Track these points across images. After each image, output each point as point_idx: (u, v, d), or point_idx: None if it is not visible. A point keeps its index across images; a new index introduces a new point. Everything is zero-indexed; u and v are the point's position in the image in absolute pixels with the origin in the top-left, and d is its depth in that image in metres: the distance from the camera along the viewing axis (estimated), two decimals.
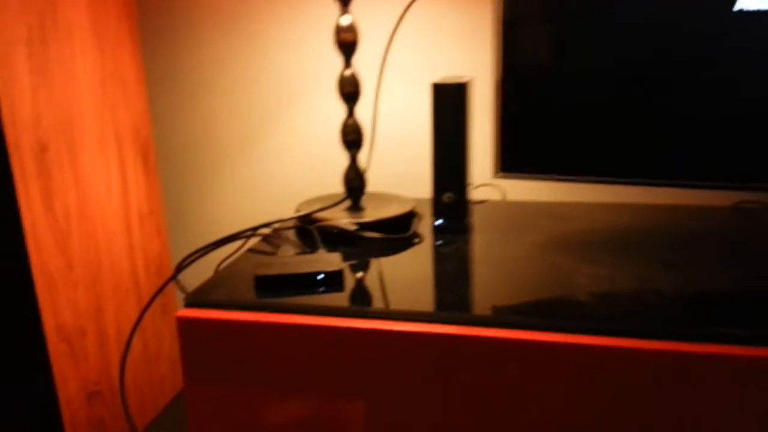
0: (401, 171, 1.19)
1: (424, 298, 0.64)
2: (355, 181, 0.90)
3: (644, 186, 0.82)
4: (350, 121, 0.86)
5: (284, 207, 1.27)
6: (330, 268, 0.70)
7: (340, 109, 1.17)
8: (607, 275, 0.69)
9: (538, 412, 0.59)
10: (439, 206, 0.86)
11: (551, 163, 0.78)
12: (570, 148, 0.77)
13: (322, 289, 0.68)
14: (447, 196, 0.84)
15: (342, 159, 1.21)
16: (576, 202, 1.01)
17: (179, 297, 1.33)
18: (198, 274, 1.16)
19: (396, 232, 0.84)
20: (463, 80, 0.80)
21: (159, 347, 1.15)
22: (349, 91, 0.84)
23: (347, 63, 0.84)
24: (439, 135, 0.81)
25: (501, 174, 0.79)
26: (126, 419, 0.70)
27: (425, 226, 0.89)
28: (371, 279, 0.70)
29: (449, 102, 0.79)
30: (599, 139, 0.75)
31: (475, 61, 1.11)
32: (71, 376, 0.91)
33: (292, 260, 0.73)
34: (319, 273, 0.69)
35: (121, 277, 1.03)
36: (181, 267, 0.79)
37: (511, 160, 0.79)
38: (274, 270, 0.70)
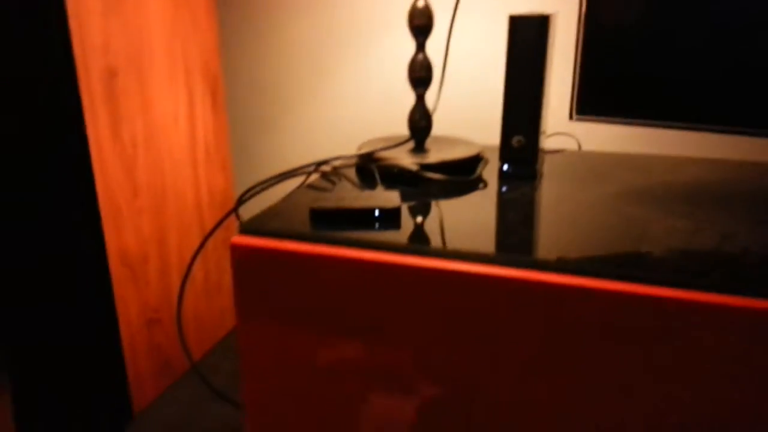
0: (470, 116, 1.14)
1: (485, 240, 0.61)
2: (420, 122, 0.86)
3: (731, 134, 0.74)
4: (419, 57, 0.82)
5: (349, 148, 1.25)
6: (387, 205, 0.67)
7: (409, 48, 1.13)
8: (688, 228, 0.63)
9: (598, 362, 0.55)
10: (507, 150, 0.81)
11: (633, 106, 0.72)
12: (654, 91, 0.70)
13: (377, 225, 0.66)
14: (516, 140, 0.79)
15: (409, 101, 1.17)
16: (660, 155, 0.93)
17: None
18: (259, 210, 1.16)
19: (460, 176, 0.80)
20: (544, 14, 0.74)
21: (220, 280, 1.17)
22: (420, 24, 0.80)
23: None
24: (514, 72, 0.76)
25: (578, 117, 0.74)
26: (182, 346, 0.71)
27: (491, 171, 0.84)
28: (430, 219, 0.67)
29: (528, 36, 0.74)
30: (686, 82, 0.68)
31: (556, 1, 1.03)
32: (132, 302, 0.94)
33: (349, 195, 0.71)
34: (375, 209, 0.67)
35: (186, 208, 1.04)
36: (242, 200, 0.78)
37: (591, 101, 0.73)
38: (331, 204, 0.68)
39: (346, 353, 0.64)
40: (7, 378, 1.01)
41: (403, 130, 1.18)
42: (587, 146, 1.09)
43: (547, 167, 0.86)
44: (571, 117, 0.74)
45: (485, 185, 0.78)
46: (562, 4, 1.03)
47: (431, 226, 0.65)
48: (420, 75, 0.82)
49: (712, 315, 0.50)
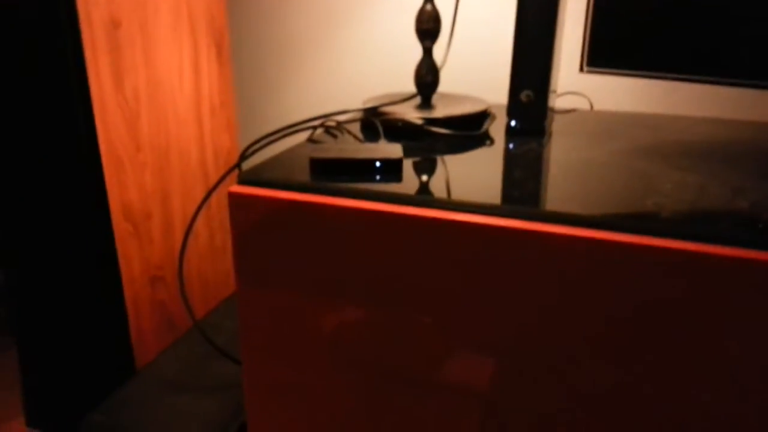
0: (479, 75, 1.11)
1: (491, 193, 0.59)
2: (426, 77, 0.84)
3: (745, 87, 0.71)
4: (427, 7, 0.80)
5: (357, 105, 1.23)
6: (390, 156, 0.66)
7: (416, 5, 1.10)
8: (697, 183, 0.61)
9: (604, 314, 0.53)
10: (515, 105, 0.79)
11: (646, 58, 0.69)
12: (668, 41, 0.67)
13: (379, 177, 0.64)
14: (525, 95, 0.77)
15: (416, 57, 1.14)
16: (673, 114, 0.91)
17: None
18: None
19: (466, 131, 0.78)
20: None
21: (225, 240, 1.16)
22: None
23: None
24: (525, 22, 0.73)
25: (589, 69, 0.71)
26: (183, 302, 0.70)
27: (498, 128, 0.82)
28: (433, 172, 0.66)
29: None
30: (702, 31, 0.65)
31: None
32: (135, 258, 0.93)
33: (350, 147, 0.69)
34: (377, 160, 0.65)
35: (189, 166, 1.03)
36: (245, 155, 0.77)
37: (603, 51, 0.70)
38: (331, 154, 0.66)
39: (344, 307, 0.63)
40: (12, 336, 1.02)
41: (412, 87, 1.16)
42: (599, 106, 1.06)
43: (557, 125, 0.84)
44: (581, 69, 0.71)
45: (492, 141, 0.76)
46: None
47: (434, 178, 0.64)
48: (428, 26, 0.80)
49: (722, 267, 0.48)
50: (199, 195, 1.07)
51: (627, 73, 0.71)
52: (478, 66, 1.11)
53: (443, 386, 0.61)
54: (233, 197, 0.63)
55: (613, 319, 0.53)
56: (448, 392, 0.61)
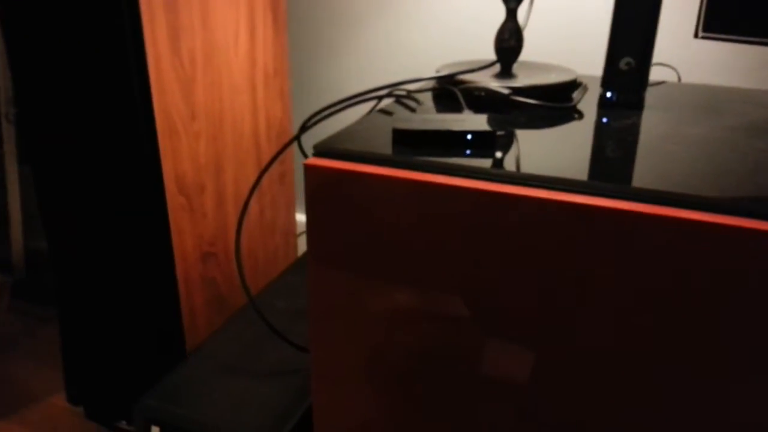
0: (559, 44, 1.03)
1: (603, 172, 0.52)
2: (509, 41, 0.76)
3: None
4: None
5: (421, 75, 1.15)
6: (481, 128, 0.59)
7: None
8: None
9: (710, 310, 0.46)
10: (612, 74, 0.71)
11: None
12: None
13: (469, 151, 0.57)
14: (625, 62, 0.69)
15: (485, 29, 1.06)
16: None
17: (298, 166, 1.28)
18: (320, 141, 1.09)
19: (555, 103, 0.70)
20: None
21: (275, 216, 1.11)
22: None
23: None
24: None
25: (705, 34, 0.63)
26: (241, 280, 0.65)
27: (589, 100, 0.75)
28: (528, 149, 0.59)
29: None
30: None
31: None
32: (188, 233, 0.88)
33: (434, 117, 0.62)
34: (467, 132, 0.59)
35: (243, 136, 0.97)
36: (305, 126, 0.71)
37: (722, 14, 0.62)
38: (415, 125, 0.60)
39: (425, 291, 0.57)
40: (55, 311, 0.98)
41: (482, 56, 1.08)
42: (687, 79, 0.97)
43: (650, 99, 0.76)
44: (696, 35, 0.63)
45: (585, 114, 0.69)
46: None
47: (532, 156, 0.57)
48: None
49: None
50: (252, 167, 1.01)
51: (747, 40, 0.63)
52: (556, 34, 1.03)
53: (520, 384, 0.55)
54: (310, 170, 0.56)
55: (719, 313, 0.46)
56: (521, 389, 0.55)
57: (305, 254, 1.14)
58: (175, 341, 0.90)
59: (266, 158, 1.04)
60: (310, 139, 1.18)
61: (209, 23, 0.85)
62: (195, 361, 0.81)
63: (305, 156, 0.64)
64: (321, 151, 0.58)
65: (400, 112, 0.69)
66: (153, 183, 0.81)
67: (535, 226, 0.50)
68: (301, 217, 1.34)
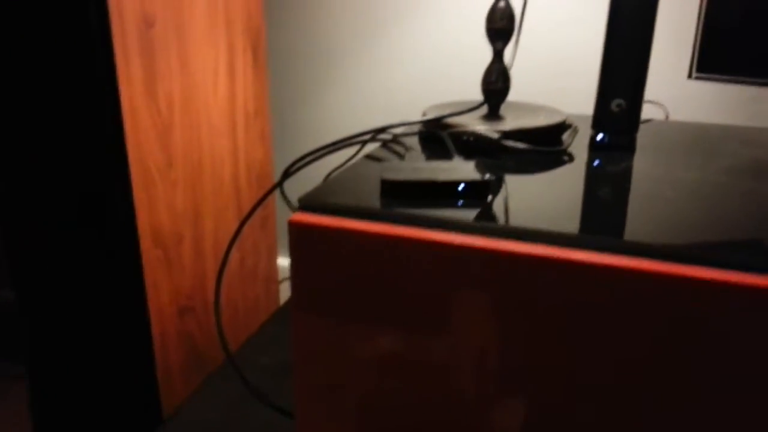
0: (545, 83, 1.02)
1: (590, 224, 0.50)
2: (496, 83, 0.74)
3: None
4: (501, 4, 0.70)
5: (405, 117, 1.13)
6: (474, 178, 0.56)
7: (474, 4, 1.01)
8: None
9: (711, 373, 0.43)
10: (603, 116, 0.69)
11: (762, 65, 0.60)
12: None
13: (461, 202, 0.54)
14: (617, 104, 0.68)
15: (473, 66, 1.05)
16: (764, 127, 0.81)
17: (279, 211, 1.25)
18: (301, 188, 1.05)
19: (544, 147, 0.68)
20: None
21: (256, 264, 1.07)
22: None
23: None
24: (619, 17, 0.64)
25: (698, 75, 0.62)
26: (219, 338, 0.61)
27: (581, 141, 0.73)
28: (517, 197, 0.56)
29: None
30: None
31: None
32: (164, 287, 0.84)
33: (424, 166, 0.60)
34: (459, 182, 0.56)
35: (222, 182, 0.94)
36: (288, 172, 0.68)
37: (716, 55, 0.61)
38: (405, 175, 0.57)
39: (411, 342, 0.53)
40: (24, 368, 0.92)
41: (465, 96, 1.06)
42: (675, 116, 0.96)
43: (640, 139, 0.74)
44: (690, 75, 0.62)
45: (576, 157, 0.67)
46: None
47: (521, 204, 0.54)
48: (501, 26, 0.71)
49: None
50: (232, 213, 0.97)
51: (740, 80, 0.61)
52: (544, 73, 1.02)
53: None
54: (294, 227, 0.53)
55: (722, 376, 0.43)
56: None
57: (288, 302, 1.10)
58: (151, 403, 0.85)
59: (247, 203, 1.01)
60: (292, 181, 1.15)
61: (187, 65, 0.82)
62: (172, 428, 0.76)
63: (288, 203, 0.61)
64: (306, 205, 0.55)
65: (388, 159, 0.67)
66: (127, 236, 0.77)
67: (529, 281, 0.47)
68: (282, 262, 1.29)
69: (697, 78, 0.62)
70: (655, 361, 0.45)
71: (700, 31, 0.60)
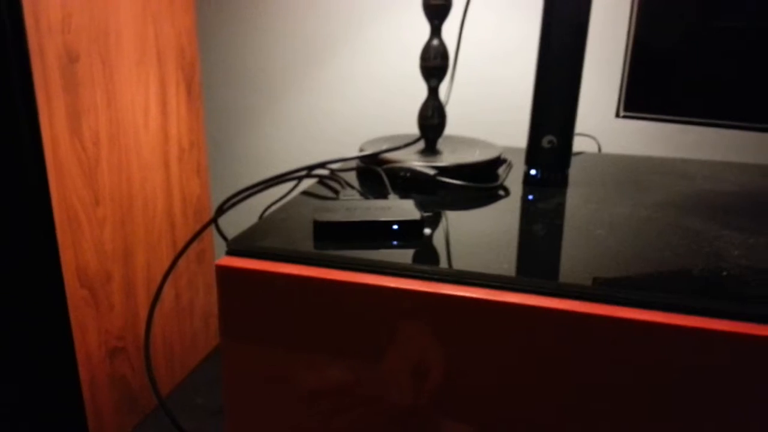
0: (481, 116, 1.03)
1: (523, 263, 0.50)
2: (432, 119, 0.75)
3: None
4: (435, 43, 0.71)
5: (341, 150, 1.13)
6: (407, 217, 0.55)
7: (409, 39, 1.01)
8: (765, 246, 0.53)
9: (649, 412, 0.44)
10: (535, 153, 0.70)
11: (689, 104, 0.62)
12: (712, 88, 0.60)
13: (395, 242, 0.54)
14: (548, 141, 0.69)
15: (409, 99, 1.05)
16: (692, 159, 0.84)
17: (217, 244, 1.21)
18: (239, 221, 1.03)
19: (480, 182, 0.69)
20: None
21: (192, 299, 1.03)
22: (438, 4, 0.69)
23: None
24: (548, 58, 0.65)
25: (626, 113, 0.63)
26: (150, 381, 0.58)
27: (514, 176, 0.73)
28: (452, 235, 0.56)
29: (567, 15, 0.63)
30: (747, 80, 0.58)
31: None
32: (92, 329, 0.80)
33: (358, 205, 0.59)
34: (393, 222, 0.55)
35: (155, 217, 0.91)
36: (222, 209, 0.66)
37: (642, 95, 0.63)
38: (338, 216, 0.56)
39: (344, 385, 0.52)
40: None
41: (406, 129, 1.07)
42: (607, 149, 0.99)
43: (573, 173, 0.75)
44: (617, 114, 0.63)
45: (511, 193, 0.67)
46: None
47: (453, 244, 0.54)
48: (435, 64, 0.71)
49: None
50: (166, 248, 0.94)
51: (667, 119, 0.63)
52: (477, 106, 1.03)
53: None
54: (222, 272, 0.51)
55: (663, 416, 0.44)
56: None
57: None
58: None
59: (183, 238, 0.98)
60: (230, 214, 1.12)
61: (115, 102, 0.80)
62: None
63: (224, 238, 0.60)
64: (236, 249, 0.53)
65: (323, 198, 0.66)
66: (51, 277, 0.73)
67: (463, 323, 0.47)
68: None
69: (624, 117, 0.63)
70: (580, 392, 0.46)
71: (626, 73, 0.62)
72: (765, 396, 0.42)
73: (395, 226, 0.55)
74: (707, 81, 0.60)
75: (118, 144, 0.81)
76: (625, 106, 0.63)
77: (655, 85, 0.62)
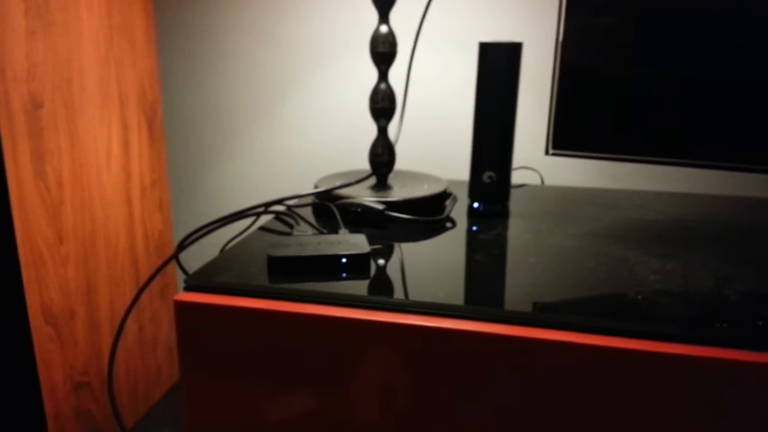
0: (432, 151, 1.09)
1: (462, 291, 0.54)
2: (382, 156, 0.80)
3: (718, 169, 0.71)
4: (382, 86, 0.76)
5: (300, 185, 1.17)
6: (355, 251, 0.60)
7: (365, 78, 1.07)
8: (679, 271, 0.58)
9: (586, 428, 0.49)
10: (477, 187, 0.75)
11: (612, 142, 0.68)
12: (634, 125, 0.66)
13: (345, 275, 0.58)
14: (488, 176, 0.74)
15: (365, 134, 1.11)
16: (624, 189, 0.90)
17: (180, 279, 1.24)
18: (202, 255, 1.06)
19: (427, 215, 0.74)
20: (515, 41, 0.69)
21: (156, 333, 1.05)
22: (384, 51, 0.74)
23: (383, 18, 0.74)
24: (484, 103, 0.71)
25: (555, 151, 0.69)
26: (114, 414, 0.61)
27: (459, 208, 0.79)
28: (400, 266, 0.60)
29: (498, 64, 0.69)
30: (667, 117, 0.65)
31: (522, 31, 1.00)
32: (57, 364, 0.82)
33: (310, 240, 0.63)
34: (342, 256, 0.60)
35: (118, 254, 0.94)
36: (183, 245, 0.69)
37: (568, 135, 0.69)
38: (291, 251, 0.60)
39: (302, 413, 0.55)
40: None
41: (360, 165, 1.12)
42: (550, 181, 1.05)
43: (514, 204, 0.81)
44: (547, 152, 0.69)
45: (456, 225, 0.72)
46: (518, 35, 1.00)
47: (402, 274, 0.59)
48: (383, 105, 0.76)
49: (726, 374, 0.45)
50: (129, 284, 0.96)
51: (592, 156, 0.70)
52: (427, 141, 1.09)
53: None
54: (180, 307, 0.55)
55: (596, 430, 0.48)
56: None
57: None
58: None
59: (145, 273, 1.00)
60: (192, 249, 1.15)
61: (78, 144, 0.83)
62: None
63: (185, 273, 0.63)
64: (193, 285, 0.57)
65: (278, 234, 0.70)
66: (16, 315, 0.75)
67: (413, 350, 0.51)
68: None
69: (553, 154, 0.69)
70: (523, 411, 0.50)
71: (552, 114, 0.68)
72: (671, 407, 0.47)
73: (344, 260, 0.60)
74: (632, 120, 0.67)
75: (81, 184, 0.84)
76: (554, 144, 0.68)
77: (580, 124, 0.68)
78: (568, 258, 0.62)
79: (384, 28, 0.74)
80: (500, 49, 0.68)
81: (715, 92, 0.62)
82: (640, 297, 0.53)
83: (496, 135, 0.72)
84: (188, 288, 0.57)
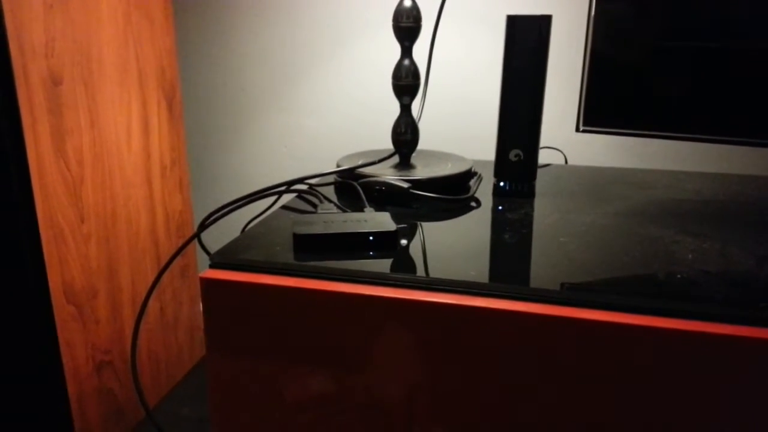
0: (452, 133, 1.07)
1: (493, 270, 0.53)
2: (405, 135, 0.78)
3: (749, 146, 0.69)
4: (405, 63, 0.74)
5: (321, 164, 1.16)
6: (382, 229, 0.59)
7: (383, 59, 1.05)
8: (717, 250, 0.57)
9: (618, 413, 0.47)
10: (503, 166, 0.74)
11: (643, 118, 0.66)
12: (665, 101, 0.64)
13: (371, 253, 0.57)
14: (514, 154, 0.72)
15: (384, 117, 1.09)
16: (653, 169, 0.88)
17: (201, 258, 1.24)
18: (222, 235, 1.06)
19: (452, 194, 0.72)
20: (544, 14, 0.67)
21: (177, 313, 1.05)
22: (407, 26, 0.72)
23: None
24: (512, 78, 0.69)
25: (585, 128, 0.67)
26: (137, 393, 0.60)
27: (484, 188, 0.77)
28: (426, 245, 0.59)
29: (527, 38, 0.67)
30: (696, 95, 0.63)
31: (546, 6, 0.98)
32: (79, 343, 0.82)
33: (336, 218, 0.62)
34: (369, 234, 0.58)
35: (139, 234, 0.93)
36: (204, 224, 0.68)
37: (599, 111, 0.67)
38: (317, 228, 0.59)
39: (327, 392, 0.55)
40: None
41: (381, 144, 1.10)
42: (573, 161, 1.03)
43: (539, 183, 0.79)
44: (577, 129, 0.67)
45: (481, 204, 0.71)
46: (548, 9, 0.98)
47: (430, 252, 0.57)
48: (407, 82, 0.75)
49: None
50: (150, 264, 0.96)
51: (624, 132, 0.68)
52: (450, 120, 1.07)
53: None
54: (206, 284, 0.54)
55: (630, 415, 0.47)
56: None
57: None
58: None
59: (166, 253, 1.00)
60: (213, 229, 1.15)
61: (98, 120, 0.82)
62: None
63: (207, 252, 0.62)
64: (219, 262, 0.56)
65: (302, 212, 0.69)
66: (38, 294, 0.75)
67: (438, 328, 0.50)
68: None
69: (584, 131, 0.68)
70: (557, 394, 0.49)
71: (584, 90, 0.66)
72: (715, 388, 0.45)
73: (371, 238, 0.58)
74: (663, 96, 0.65)
75: (101, 163, 0.84)
76: (584, 121, 0.67)
77: (612, 100, 0.66)
78: (601, 237, 0.60)
79: (408, 2, 0.72)
80: (529, 21, 0.66)
81: (746, 67, 0.60)
82: (679, 276, 0.51)
83: (524, 112, 0.70)
84: (213, 265, 0.56)
